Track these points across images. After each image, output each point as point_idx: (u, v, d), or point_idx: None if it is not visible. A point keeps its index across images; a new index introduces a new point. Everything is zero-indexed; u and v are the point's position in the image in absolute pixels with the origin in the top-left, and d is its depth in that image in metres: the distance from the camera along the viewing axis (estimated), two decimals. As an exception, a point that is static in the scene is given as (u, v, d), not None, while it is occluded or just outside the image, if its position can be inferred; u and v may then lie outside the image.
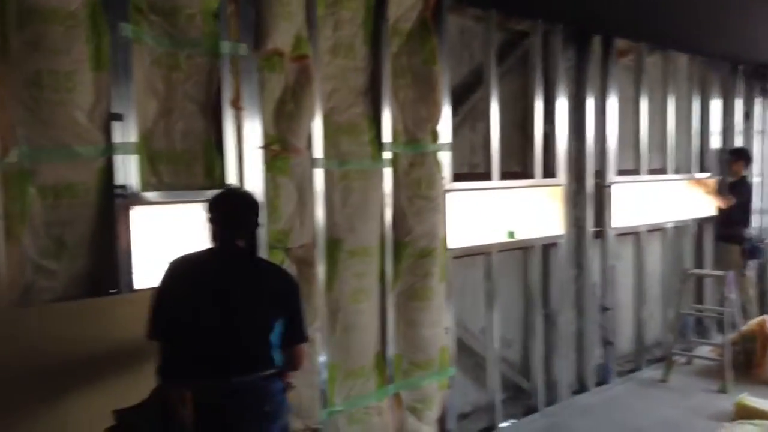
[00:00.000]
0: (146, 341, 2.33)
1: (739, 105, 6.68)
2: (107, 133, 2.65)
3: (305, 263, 3.34)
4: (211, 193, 2.92)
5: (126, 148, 2.69)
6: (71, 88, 2.53)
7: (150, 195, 2.80)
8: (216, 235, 2.37)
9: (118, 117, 2.66)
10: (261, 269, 2.46)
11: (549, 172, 4.78)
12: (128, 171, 2.71)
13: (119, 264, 2.69)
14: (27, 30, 2.44)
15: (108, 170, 2.66)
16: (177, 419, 2.16)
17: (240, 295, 2.30)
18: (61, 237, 2.58)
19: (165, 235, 2.88)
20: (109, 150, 2.66)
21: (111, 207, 2.67)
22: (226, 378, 2.24)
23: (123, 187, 2.68)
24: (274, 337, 2.33)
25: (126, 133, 2.70)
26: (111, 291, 2.69)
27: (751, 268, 6.38)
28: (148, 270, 2.78)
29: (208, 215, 2.38)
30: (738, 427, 4.00)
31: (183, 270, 2.32)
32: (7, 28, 2.41)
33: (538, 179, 4.68)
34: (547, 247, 4.85)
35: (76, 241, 2.61)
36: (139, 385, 2.56)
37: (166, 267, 2.33)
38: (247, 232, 2.42)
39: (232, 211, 2.40)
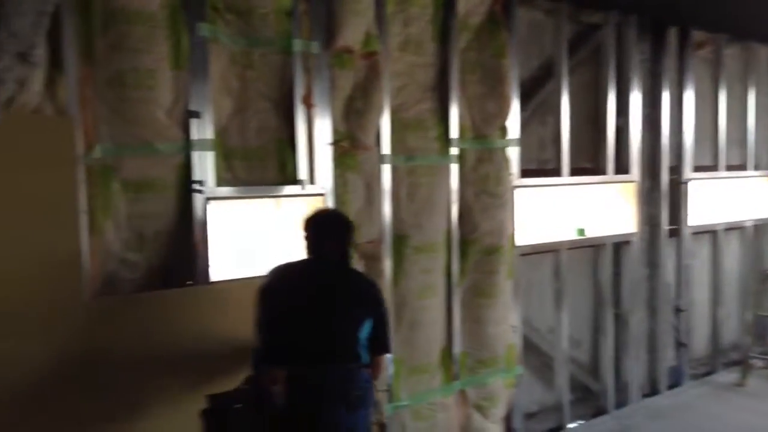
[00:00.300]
0: (220, 330, 2.50)
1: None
2: (185, 130, 2.75)
3: (373, 259, 3.37)
4: (287, 189, 3.03)
5: (203, 145, 2.78)
6: (152, 86, 2.63)
7: (225, 190, 2.88)
8: (311, 252, 2.55)
9: (196, 114, 2.75)
10: (353, 275, 2.64)
11: (621, 168, 4.65)
12: (205, 167, 2.80)
13: (196, 257, 2.78)
14: (111, 31, 2.55)
15: (186, 166, 2.76)
16: (270, 400, 2.25)
17: (333, 295, 2.47)
18: (142, 230, 2.69)
19: (239, 229, 2.97)
20: (187, 147, 2.75)
21: (189, 201, 2.77)
22: (318, 365, 2.37)
23: (200, 182, 2.77)
24: (362, 336, 2.46)
25: (203, 130, 2.79)
26: (188, 282, 2.78)
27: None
28: (223, 263, 2.87)
29: (304, 234, 2.56)
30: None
31: (284, 273, 2.52)
32: (92, 30, 2.52)
33: (610, 175, 4.55)
34: (619, 245, 4.72)
35: (155, 235, 2.72)
36: (215, 371, 2.68)
37: (269, 271, 2.54)
38: (340, 249, 2.57)
39: (325, 232, 2.56)
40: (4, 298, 2.32)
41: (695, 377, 5.27)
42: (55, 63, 2.43)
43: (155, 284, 2.72)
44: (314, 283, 2.48)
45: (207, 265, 2.82)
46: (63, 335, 2.45)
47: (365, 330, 2.46)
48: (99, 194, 2.59)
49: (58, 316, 2.43)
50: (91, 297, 2.55)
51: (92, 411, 2.51)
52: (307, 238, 2.54)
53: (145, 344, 2.63)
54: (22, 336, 2.36)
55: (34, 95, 2.37)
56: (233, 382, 2.53)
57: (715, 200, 5.32)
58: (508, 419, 4.03)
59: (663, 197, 4.91)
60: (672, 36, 4.93)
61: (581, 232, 4.39)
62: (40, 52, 2.28)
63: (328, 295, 2.46)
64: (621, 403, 4.73)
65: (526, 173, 4.04)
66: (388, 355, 2.62)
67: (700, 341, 5.46)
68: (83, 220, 2.53)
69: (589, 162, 4.61)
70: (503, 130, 3.85)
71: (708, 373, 5.37)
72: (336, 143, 3.21)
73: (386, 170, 3.41)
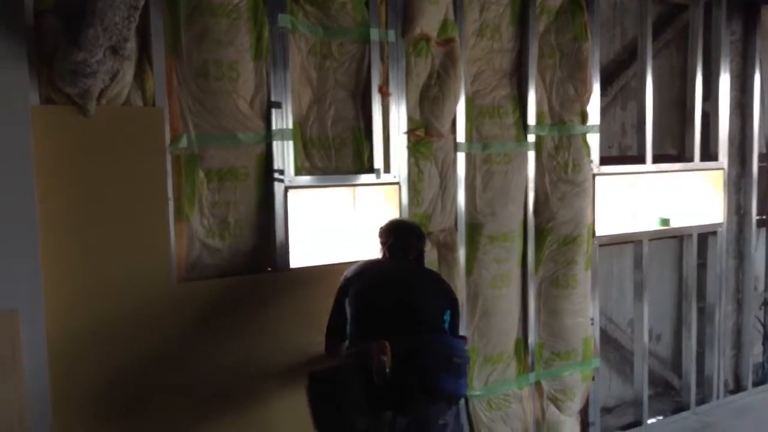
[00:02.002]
0: (300, 315, 2.69)
1: None
2: (266, 120, 2.80)
3: (446, 247, 3.35)
4: (362, 178, 3.05)
5: (283, 135, 2.83)
6: (235, 78, 2.69)
7: (304, 179, 2.93)
8: (391, 254, 2.75)
9: (277, 105, 2.80)
10: (430, 272, 2.88)
11: (708, 154, 4.46)
12: (285, 156, 2.85)
13: (276, 243, 2.85)
14: (195, 24, 2.62)
15: (266, 155, 2.82)
16: (377, 368, 2.30)
17: (417, 283, 2.67)
18: (225, 217, 2.76)
19: (317, 217, 3.01)
20: (268, 136, 2.81)
21: (270, 190, 2.83)
22: (419, 335, 2.46)
23: (281, 171, 2.83)
24: (446, 318, 2.57)
25: (283, 119, 2.83)
26: (268, 269, 2.85)
27: None
28: (301, 250, 2.93)
29: (380, 241, 2.79)
30: None
31: (368, 265, 2.71)
32: (178, 23, 2.60)
33: (696, 162, 4.37)
34: (705, 235, 4.53)
35: (238, 222, 2.79)
36: (295, 354, 2.79)
37: (349, 269, 2.71)
38: (415, 255, 2.77)
39: (400, 242, 2.75)
40: (101, 281, 2.44)
41: (784, 375, 5.02)
42: (143, 56, 2.53)
43: (237, 270, 2.80)
44: (399, 274, 2.67)
45: (287, 252, 2.87)
46: (154, 316, 2.56)
47: (446, 318, 2.57)
48: (185, 183, 2.67)
49: (149, 298, 2.55)
50: (178, 281, 2.65)
51: (180, 386, 2.64)
52: (384, 244, 2.76)
53: (229, 326, 2.72)
54: (116, 318, 2.48)
55: (125, 87, 2.47)
56: (317, 363, 2.60)
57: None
58: (584, 413, 3.94)
59: (752, 185, 4.67)
60: (765, 15, 4.66)
61: (665, 221, 4.23)
62: (131, 46, 2.36)
63: (413, 282, 2.64)
64: (703, 400, 4.57)
65: (606, 160, 3.93)
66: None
67: (790, 337, 5.18)
68: (171, 207, 2.62)
69: (673, 148, 4.44)
70: (583, 116, 3.74)
71: (799, 371, 5.10)
72: (411, 132, 3.21)
73: (461, 158, 3.38)
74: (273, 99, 2.80)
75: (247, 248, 2.83)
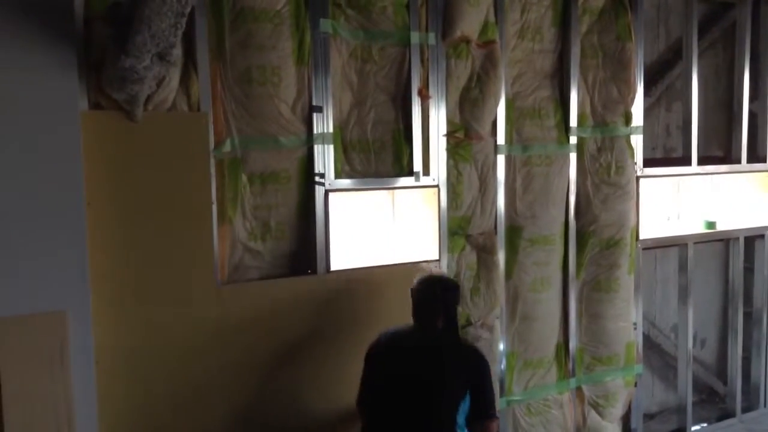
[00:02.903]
0: (339, 317, 2.69)
1: None
2: (308, 124, 2.83)
3: (485, 250, 3.33)
4: (402, 181, 3.05)
5: (324, 138, 2.86)
6: (277, 83, 2.73)
7: (344, 182, 2.95)
8: (417, 317, 2.54)
9: (318, 109, 2.82)
10: (454, 349, 2.53)
11: (756, 156, 4.35)
12: (326, 160, 2.87)
13: (317, 246, 2.87)
14: (239, 30, 2.66)
15: (308, 159, 2.85)
16: None
17: (435, 371, 2.43)
18: (267, 220, 2.80)
19: (357, 220, 3.03)
20: (309, 140, 2.84)
21: (311, 193, 2.86)
22: None
23: (321, 174, 2.85)
24: (461, 417, 2.42)
25: (324, 123, 2.86)
26: (309, 271, 2.87)
27: None
28: (341, 253, 2.94)
29: (412, 297, 2.55)
30: None
31: (390, 342, 2.56)
32: (222, 29, 2.64)
33: (744, 164, 4.27)
34: (752, 239, 4.42)
35: (279, 225, 2.83)
36: (333, 355, 2.80)
37: (375, 339, 2.58)
38: (446, 314, 2.52)
39: (431, 298, 2.52)
40: (147, 283, 2.50)
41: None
42: (188, 61, 2.57)
43: (279, 272, 2.83)
44: (417, 359, 2.46)
45: (327, 255, 2.89)
46: (198, 318, 2.61)
47: (463, 410, 2.42)
48: (228, 186, 2.72)
49: (193, 300, 2.59)
50: (221, 283, 2.70)
51: (223, 386, 2.68)
52: (414, 302, 2.54)
53: (270, 328, 2.75)
54: (161, 320, 2.53)
55: (171, 93, 2.52)
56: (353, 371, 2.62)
57: None
58: (626, 419, 3.89)
59: (803, 187, 4.53)
60: (817, 11, 4.52)
61: (711, 224, 4.14)
62: (177, 52, 2.41)
63: (430, 370, 2.43)
64: (749, 407, 4.47)
65: (650, 162, 3.87)
66: (497, 420, 2.52)
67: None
68: (214, 210, 2.66)
69: (719, 150, 4.34)
70: (626, 117, 3.68)
71: None
72: (450, 134, 3.20)
73: (501, 160, 3.36)
74: (314, 103, 2.83)
75: (288, 251, 2.86)
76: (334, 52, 2.88)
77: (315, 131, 2.84)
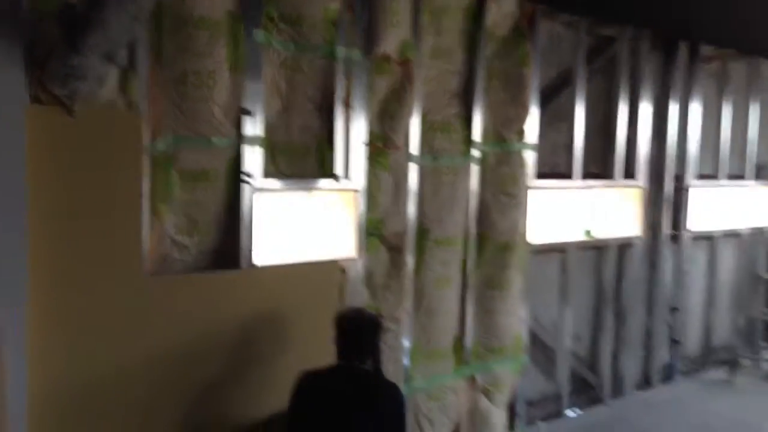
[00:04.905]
0: (262, 311, 2.84)
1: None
2: (239, 127, 3.01)
3: (396, 250, 3.64)
4: (325, 183, 3.28)
5: (253, 141, 3.04)
6: (212, 87, 2.89)
7: (270, 182, 3.14)
8: (339, 353, 2.56)
9: (248, 113, 3.01)
10: (376, 389, 2.55)
11: (629, 173, 4.92)
12: (254, 161, 3.06)
13: (242, 243, 3.05)
14: (179, 35, 2.81)
15: (237, 159, 3.02)
16: None
17: (352, 416, 2.45)
18: (195, 216, 2.95)
19: (281, 219, 3.23)
20: (238, 142, 3.01)
21: (238, 192, 3.03)
22: None
23: (249, 174, 3.03)
24: None
25: (253, 127, 3.04)
26: (233, 267, 3.05)
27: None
28: (266, 250, 3.14)
29: (334, 332, 2.57)
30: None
31: (310, 384, 2.54)
32: (162, 34, 2.77)
33: (618, 180, 4.83)
34: (623, 247, 5.00)
35: (206, 221, 2.98)
36: (254, 347, 2.96)
37: (296, 379, 2.55)
38: (368, 352, 2.59)
39: (354, 334, 2.57)
40: (81, 270, 2.59)
41: (687, 374, 5.57)
42: (129, 62, 2.68)
43: (204, 267, 2.99)
44: (336, 400, 2.46)
45: (251, 251, 3.08)
46: (125, 307, 2.71)
47: None
48: (159, 182, 2.84)
49: (121, 290, 2.70)
50: (148, 274, 2.82)
51: (152, 373, 2.79)
52: (337, 338, 2.56)
53: (196, 320, 2.90)
54: (90, 306, 2.63)
55: (111, 91, 2.63)
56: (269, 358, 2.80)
57: (714, 208, 5.58)
58: (511, 405, 4.31)
59: (666, 203, 5.18)
60: (682, 51, 5.19)
61: (589, 233, 4.66)
62: (124, 53, 2.53)
63: (347, 414, 2.44)
64: (616, 395, 5.02)
65: (540, 176, 4.30)
66: None
67: (693, 341, 5.75)
68: (145, 205, 2.79)
69: (598, 167, 4.86)
70: (521, 135, 4.10)
71: (699, 371, 5.68)
72: (370, 143, 3.47)
73: (413, 169, 3.67)
74: (245, 107, 3.01)
75: (214, 246, 3.01)
76: (266, 62, 3.08)
77: (245, 134, 3.02)
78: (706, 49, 5.33)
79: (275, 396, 2.77)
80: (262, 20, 3.03)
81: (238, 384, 3.01)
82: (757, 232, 6.10)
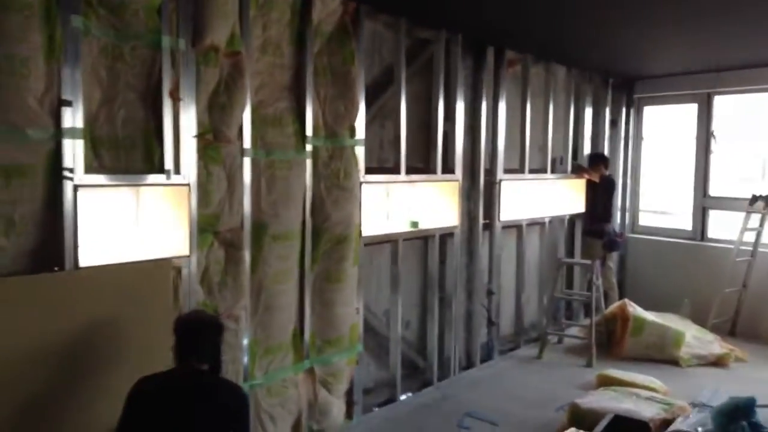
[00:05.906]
0: (88, 314, 2.65)
1: (608, 113, 7.53)
2: (56, 118, 2.78)
3: (233, 246, 3.58)
4: (153, 178, 3.14)
5: (73, 133, 2.83)
6: (26, 74, 2.64)
7: (94, 178, 2.94)
8: (178, 356, 2.52)
9: (67, 103, 2.79)
10: (213, 386, 2.55)
11: (448, 168, 5.27)
12: (74, 155, 2.84)
13: (65, 243, 2.82)
14: (-14, 17, 2.53)
15: (56, 153, 2.79)
16: None
17: (194, 418, 2.44)
18: (11, 215, 2.68)
19: (107, 217, 3.04)
20: (57, 134, 2.79)
21: (59, 189, 2.80)
22: None
23: (70, 170, 2.82)
24: None
25: (73, 118, 2.83)
26: (55, 268, 2.82)
27: (613, 259, 7.25)
28: (91, 249, 2.93)
29: (174, 335, 2.54)
30: (600, 392, 4.67)
31: (142, 391, 2.47)
32: (-34, 13, 2.49)
33: (439, 175, 5.15)
34: (445, 236, 5.34)
35: (24, 220, 2.72)
36: (80, 355, 2.79)
37: (133, 386, 2.47)
38: (207, 353, 2.56)
39: (191, 336, 2.55)
40: None
41: (503, 352, 6.08)
42: None
43: (24, 269, 2.73)
44: (175, 406, 2.44)
45: (75, 251, 2.86)
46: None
47: None
48: (-35, 179, 2.55)
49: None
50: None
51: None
52: (177, 342, 2.53)
53: (17, 326, 2.64)
54: None
55: None
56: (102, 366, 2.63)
57: (521, 199, 6.16)
58: (349, 394, 4.43)
59: (480, 195, 5.62)
60: (490, 54, 5.65)
61: (415, 224, 4.92)
62: None
63: (188, 416, 2.42)
64: (443, 376, 5.35)
65: (370, 170, 4.47)
66: None
67: (507, 321, 6.30)
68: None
69: (421, 162, 5.15)
70: (352, 130, 4.24)
71: (513, 349, 6.24)
72: (200, 135, 3.38)
73: (247, 163, 3.63)
74: (64, 97, 2.79)
75: (34, 247, 2.77)
76: (85, 49, 2.88)
77: (64, 125, 2.80)
78: (509, 54, 5.85)
79: (111, 406, 2.59)
80: (81, 5, 2.83)
81: (70, 397, 2.79)
82: (557, 220, 6.82)
